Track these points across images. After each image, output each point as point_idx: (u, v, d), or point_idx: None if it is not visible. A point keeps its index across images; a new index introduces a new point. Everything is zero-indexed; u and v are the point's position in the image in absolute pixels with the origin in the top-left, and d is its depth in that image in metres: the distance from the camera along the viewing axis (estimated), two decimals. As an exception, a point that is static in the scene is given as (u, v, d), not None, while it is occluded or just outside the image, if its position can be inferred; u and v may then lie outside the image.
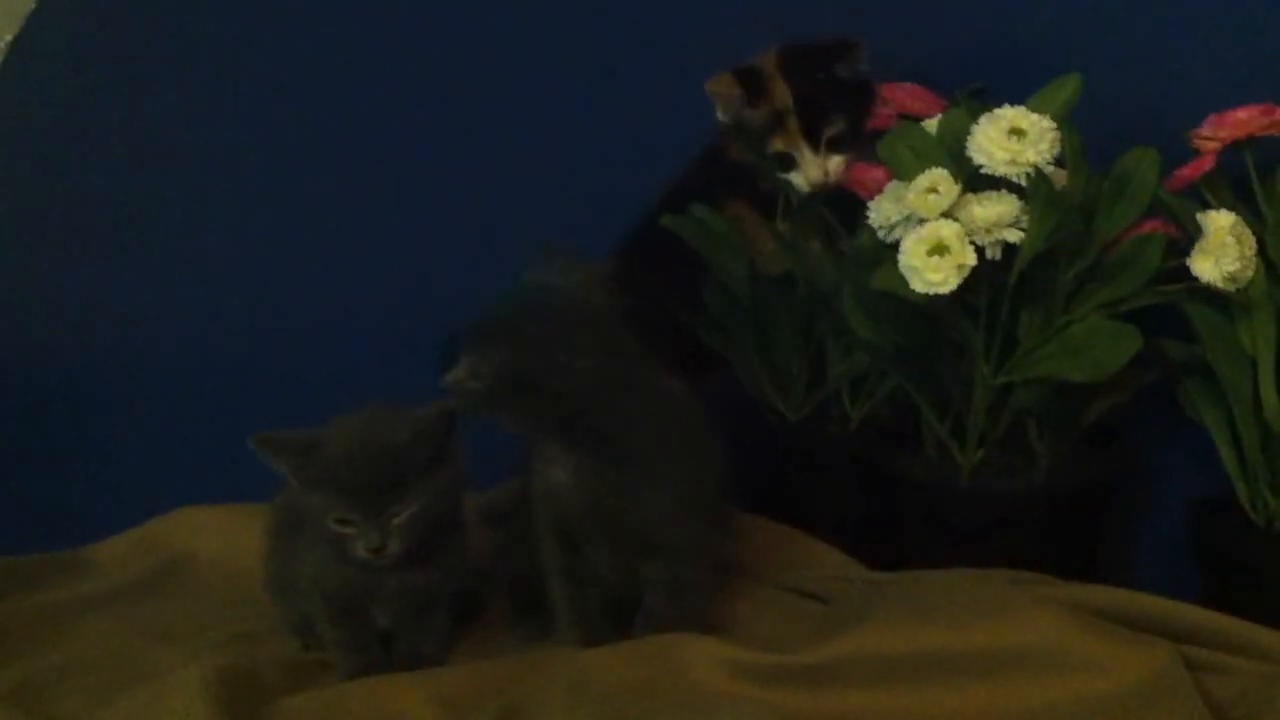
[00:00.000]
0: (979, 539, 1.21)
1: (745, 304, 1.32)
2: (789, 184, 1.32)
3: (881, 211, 1.18)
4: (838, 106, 1.30)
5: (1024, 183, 1.11)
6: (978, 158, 1.11)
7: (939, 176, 1.12)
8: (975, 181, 1.13)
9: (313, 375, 1.69)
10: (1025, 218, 1.11)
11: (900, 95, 1.31)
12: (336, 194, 1.76)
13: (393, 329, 1.62)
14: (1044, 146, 1.10)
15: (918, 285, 1.09)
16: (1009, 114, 1.11)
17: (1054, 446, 1.21)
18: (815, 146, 1.30)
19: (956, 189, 1.11)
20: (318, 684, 1.12)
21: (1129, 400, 1.23)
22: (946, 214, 1.10)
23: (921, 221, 1.11)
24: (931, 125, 1.20)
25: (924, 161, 1.15)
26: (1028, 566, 1.14)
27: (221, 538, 1.41)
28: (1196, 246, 1.12)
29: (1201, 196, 1.18)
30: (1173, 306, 1.16)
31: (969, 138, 1.12)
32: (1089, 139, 1.16)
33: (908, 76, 1.32)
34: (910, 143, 1.16)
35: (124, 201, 1.86)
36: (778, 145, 1.32)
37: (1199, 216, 1.13)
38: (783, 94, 1.31)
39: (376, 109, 1.73)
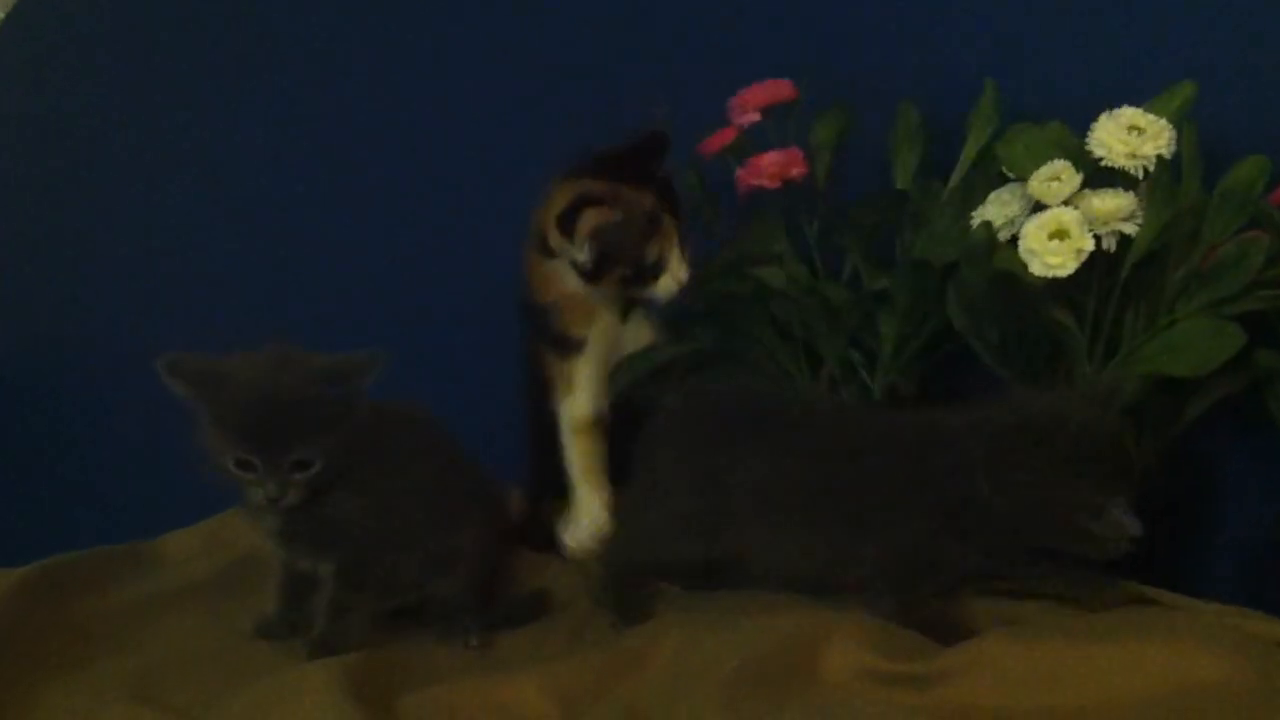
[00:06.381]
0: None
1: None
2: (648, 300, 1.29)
3: (984, 215, 1.22)
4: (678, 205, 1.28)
5: (1141, 176, 1.15)
6: (1097, 151, 1.16)
7: (1061, 167, 1.17)
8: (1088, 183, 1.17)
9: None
10: (1140, 214, 1.15)
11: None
12: (326, 200, 1.78)
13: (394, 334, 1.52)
14: (1162, 142, 1.15)
15: (1036, 268, 1.13)
16: (1128, 113, 1.16)
17: (1151, 451, 1.23)
18: (684, 242, 1.27)
19: (1079, 178, 1.15)
20: (432, 678, 1.09)
21: (1216, 411, 1.24)
22: (1066, 203, 1.14)
23: (1041, 208, 1.15)
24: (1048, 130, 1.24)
25: (1038, 159, 1.19)
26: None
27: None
28: (1300, 256, 1.16)
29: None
30: (1263, 316, 1.19)
31: (1089, 134, 1.17)
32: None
33: (1026, 85, 1.33)
34: (1026, 141, 1.21)
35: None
36: (654, 252, 1.27)
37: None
38: (646, 198, 1.26)
39: (369, 112, 1.76)
